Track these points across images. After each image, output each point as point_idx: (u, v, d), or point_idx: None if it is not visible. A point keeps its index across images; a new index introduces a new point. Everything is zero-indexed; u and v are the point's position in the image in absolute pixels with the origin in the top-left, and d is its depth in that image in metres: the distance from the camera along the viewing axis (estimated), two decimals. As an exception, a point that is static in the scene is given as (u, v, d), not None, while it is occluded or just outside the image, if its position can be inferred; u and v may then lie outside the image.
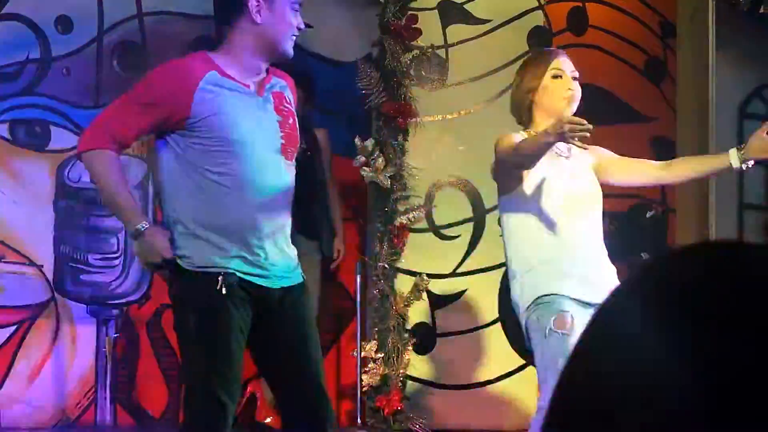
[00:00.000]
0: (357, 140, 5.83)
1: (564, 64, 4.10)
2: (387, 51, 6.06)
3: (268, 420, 5.71)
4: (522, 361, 6.22)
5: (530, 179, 3.99)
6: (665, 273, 0.97)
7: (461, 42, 6.48)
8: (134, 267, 5.48)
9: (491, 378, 6.37)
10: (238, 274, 3.42)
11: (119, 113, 3.46)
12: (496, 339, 6.37)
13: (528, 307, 3.97)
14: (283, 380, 3.60)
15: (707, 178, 4.26)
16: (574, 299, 3.93)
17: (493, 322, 6.42)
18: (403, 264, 6.03)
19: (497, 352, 6.36)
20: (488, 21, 6.57)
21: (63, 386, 5.54)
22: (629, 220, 6.36)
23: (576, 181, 4.06)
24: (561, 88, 4.04)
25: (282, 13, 3.54)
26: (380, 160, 5.88)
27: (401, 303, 5.97)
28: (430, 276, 6.12)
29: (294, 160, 3.61)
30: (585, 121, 3.56)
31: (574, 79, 4.08)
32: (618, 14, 7.09)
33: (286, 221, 3.59)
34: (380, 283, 5.95)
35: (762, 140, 4.01)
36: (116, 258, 5.44)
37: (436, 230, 6.35)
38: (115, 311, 5.45)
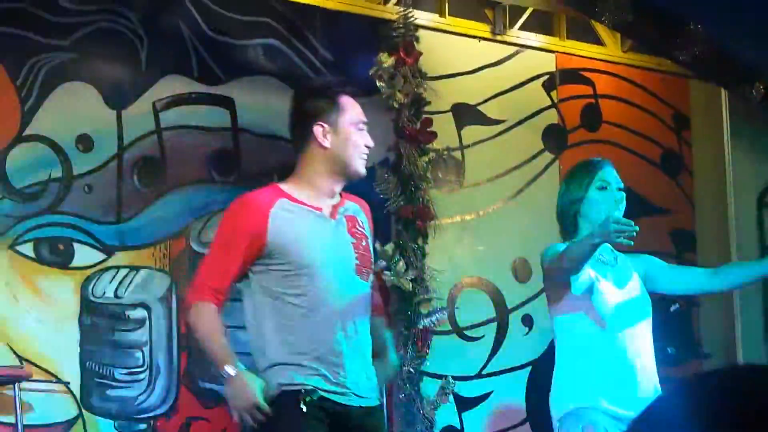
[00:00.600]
0: (377, 245, 5.86)
1: (610, 175, 4.12)
2: (403, 155, 6.11)
3: None
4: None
5: (580, 285, 4.00)
6: (693, 397, 1.01)
7: (476, 143, 6.55)
8: (160, 381, 5.49)
9: (522, 479, 6.32)
10: (319, 391, 3.47)
11: (213, 265, 3.57)
12: (525, 439, 6.33)
13: (560, 418, 3.99)
14: None
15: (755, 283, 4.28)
16: (609, 412, 3.92)
17: (522, 423, 6.37)
18: (428, 367, 6.01)
19: (527, 453, 6.31)
20: (502, 121, 6.65)
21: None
22: (654, 312, 6.34)
23: (624, 289, 4.07)
24: (607, 200, 4.07)
25: (348, 135, 3.62)
26: (401, 263, 5.90)
27: (428, 407, 5.94)
28: (456, 378, 6.10)
29: (368, 281, 3.68)
30: (632, 222, 3.60)
31: (620, 189, 4.10)
32: (631, 109, 7.17)
33: (364, 340, 3.63)
34: (406, 387, 5.92)
35: None
36: (142, 372, 5.45)
37: (460, 332, 6.34)
38: (142, 425, 5.44)
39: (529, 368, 6.46)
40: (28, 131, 5.35)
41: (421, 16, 6.29)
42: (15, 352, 5.21)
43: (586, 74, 7.01)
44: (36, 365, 5.19)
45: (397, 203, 6.05)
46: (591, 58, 7.01)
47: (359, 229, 3.68)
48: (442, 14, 6.46)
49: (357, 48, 6.22)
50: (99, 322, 5.38)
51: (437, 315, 6.03)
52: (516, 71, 6.72)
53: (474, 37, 6.58)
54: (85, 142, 5.47)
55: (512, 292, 6.42)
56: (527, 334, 6.49)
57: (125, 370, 5.42)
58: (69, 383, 5.28)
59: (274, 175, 5.68)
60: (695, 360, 6.71)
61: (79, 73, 5.49)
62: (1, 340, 5.21)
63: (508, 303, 6.47)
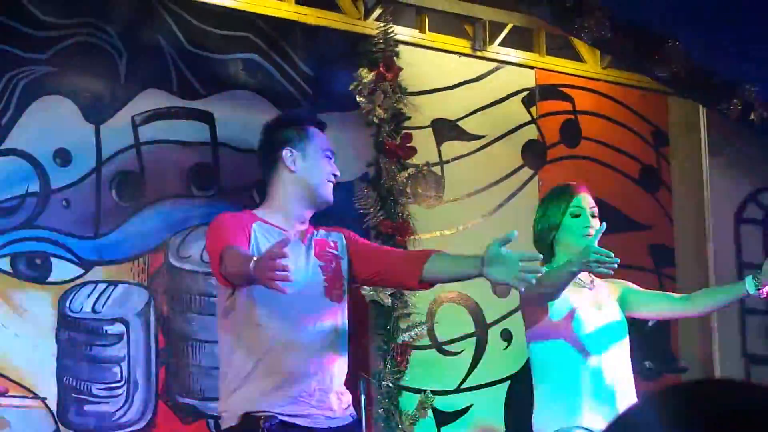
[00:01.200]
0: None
1: (583, 201, 4.16)
2: (383, 170, 6.13)
3: None
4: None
5: (557, 309, 4.03)
6: (666, 409, 1.03)
7: (456, 158, 6.56)
8: (138, 396, 5.47)
9: (500, 494, 6.31)
10: (279, 417, 3.50)
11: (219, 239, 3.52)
12: (503, 454, 6.33)
13: None
14: None
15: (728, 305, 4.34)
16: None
17: (500, 437, 6.38)
18: (407, 382, 6.02)
19: (505, 468, 6.32)
20: (482, 137, 6.66)
21: None
22: (631, 327, 6.36)
23: (601, 312, 4.11)
24: (578, 226, 4.11)
25: (315, 161, 3.75)
26: (380, 278, 5.90)
27: (407, 421, 5.94)
28: (435, 393, 6.11)
29: (341, 301, 3.72)
30: (611, 253, 3.64)
31: (593, 216, 4.14)
32: (610, 125, 7.20)
33: (334, 360, 3.65)
34: (385, 401, 5.93)
35: None
36: (120, 387, 5.43)
37: (439, 346, 6.35)
38: (120, 440, 5.43)
39: (508, 383, 6.47)
40: (5, 145, 5.33)
41: (401, 32, 6.31)
42: (-9, 368, 5.19)
43: (566, 90, 7.03)
44: (12, 381, 5.17)
45: (376, 218, 6.06)
46: (571, 74, 7.03)
47: (329, 251, 3.75)
48: (422, 30, 6.48)
49: (337, 63, 6.23)
50: (76, 337, 5.36)
51: (416, 330, 6.05)
52: (496, 87, 6.74)
53: (454, 52, 6.60)
54: (63, 156, 5.46)
55: (491, 306, 6.43)
56: (506, 348, 6.50)
57: (103, 386, 5.40)
58: (46, 399, 5.26)
59: (254, 190, 5.70)
60: (673, 374, 6.73)
61: (57, 87, 5.47)
62: (-23, 355, 5.19)
63: (487, 318, 6.48)
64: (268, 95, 6.00)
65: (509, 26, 6.70)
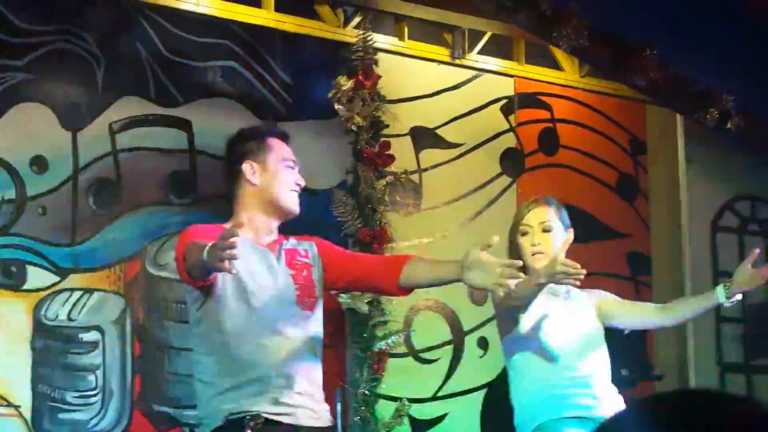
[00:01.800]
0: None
1: (533, 218, 4.17)
2: (361, 178, 6.14)
3: None
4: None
5: (530, 319, 4.05)
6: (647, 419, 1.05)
7: (434, 166, 6.57)
8: (113, 404, 5.46)
9: (476, 502, 6.33)
10: (263, 415, 3.49)
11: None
12: (479, 462, 6.34)
13: None
14: None
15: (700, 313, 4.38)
16: (574, 420, 3.98)
17: (476, 445, 6.39)
18: (383, 389, 6.03)
19: (481, 476, 6.33)
20: (460, 145, 6.68)
21: None
22: (607, 335, 6.38)
23: (576, 321, 4.13)
24: (527, 244, 4.14)
25: (276, 172, 3.73)
26: (357, 286, 5.91)
27: (383, 429, 5.95)
28: (411, 401, 6.12)
29: (315, 309, 3.72)
30: (578, 265, 3.65)
31: (545, 231, 4.15)
32: (588, 133, 7.22)
33: (309, 366, 3.66)
34: (361, 409, 5.93)
35: (746, 272, 4.07)
36: (95, 395, 5.42)
37: (416, 354, 6.36)
38: (95, 449, 5.42)
39: (484, 391, 6.49)
40: (-20, 152, 5.31)
41: (380, 40, 6.31)
42: (-34, 375, 5.18)
43: (544, 98, 7.05)
44: (-14, 389, 5.15)
45: (354, 226, 6.07)
46: (549, 83, 7.05)
47: (299, 259, 3.74)
48: (401, 38, 6.49)
49: (316, 71, 6.23)
50: (51, 345, 5.35)
51: (393, 337, 6.05)
52: (474, 95, 6.75)
53: (433, 60, 6.61)
54: (39, 164, 5.44)
55: (468, 314, 6.44)
56: (483, 356, 6.51)
57: (78, 393, 5.39)
58: (20, 407, 5.24)
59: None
60: (648, 381, 6.75)
61: (34, 93, 5.46)
62: (-48, 362, 5.17)
63: (464, 326, 6.49)
64: (246, 103, 6.00)
65: (488, 34, 6.71)
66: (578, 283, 3.79)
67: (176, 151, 5.81)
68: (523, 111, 6.95)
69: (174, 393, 5.60)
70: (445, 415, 6.36)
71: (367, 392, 5.95)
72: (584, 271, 3.68)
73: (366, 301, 5.96)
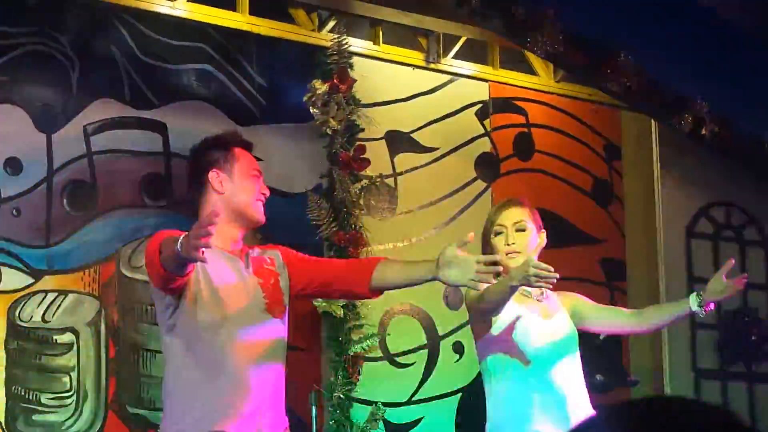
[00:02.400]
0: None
1: (507, 217, 4.18)
2: (336, 182, 6.15)
3: None
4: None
5: (504, 321, 4.06)
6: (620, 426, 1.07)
7: (409, 170, 6.59)
8: (87, 405, 5.45)
9: (451, 506, 6.33)
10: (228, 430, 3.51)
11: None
12: (454, 466, 6.34)
13: None
14: None
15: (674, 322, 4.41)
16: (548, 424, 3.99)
17: (451, 449, 6.40)
18: (358, 393, 6.03)
19: (456, 479, 6.33)
20: (435, 149, 6.69)
21: None
22: (582, 341, 6.40)
23: (550, 323, 4.14)
24: (500, 244, 4.15)
25: (241, 181, 3.74)
26: (332, 290, 5.91)
27: (358, 433, 5.95)
28: (386, 404, 6.12)
29: (283, 316, 3.73)
30: (551, 267, 3.67)
31: (519, 230, 4.16)
32: (564, 138, 7.25)
33: (279, 376, 3.67)
34: (336, 413, 5.93)
35: (720, 283, 4.10)
36: (69, 397, 5.40)
37: (391, 358, 6.36)
38: (68, 451, 5.40)
39: (459, 395, 6.49)
40: (-45, 154, 5.30)
41: (355, 44, 6.33)
42: (-61, 377, 5.15)
43: (519, 103, 7.08)
44: (-41, 390, 5.13)
45: (329, 230, 6.08)
46: (524, 88, 7.08)
47: (266, 267, 3.76)
48: (376, 42, 6.50)
49: (291, 74, 6.24)
50: (25, 347, 5.34)
51: (368, 341, 6.06)
52: (449, 99, 6.78)
53: (408, 65, 6.63)
54: (13, 165, 5.43)
55: (443, 319, 6.45)
56: (458, 361, 6.52)
57: (52, 395, 5.37)
58: (-7, 408, 5.22)
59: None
60: (623, 387, 6.77)
61: (8, 95, 5.45)
62: (-76, 364, 5.15)
63: (439, 330, 6.50)
64: (221, 106, 6.00)
65: (463, 39, 6.74)
66: (551, 285, 3.81)
67: (151, 153, 5.81)
68: (498, 116, 6.97)
69: (148, 395, 5.59)
70: (421, 419, 6.37)
71: (342, 396, 5.95)
72: (557, 274, 3.69)
73: (341, 305, 5.96)
